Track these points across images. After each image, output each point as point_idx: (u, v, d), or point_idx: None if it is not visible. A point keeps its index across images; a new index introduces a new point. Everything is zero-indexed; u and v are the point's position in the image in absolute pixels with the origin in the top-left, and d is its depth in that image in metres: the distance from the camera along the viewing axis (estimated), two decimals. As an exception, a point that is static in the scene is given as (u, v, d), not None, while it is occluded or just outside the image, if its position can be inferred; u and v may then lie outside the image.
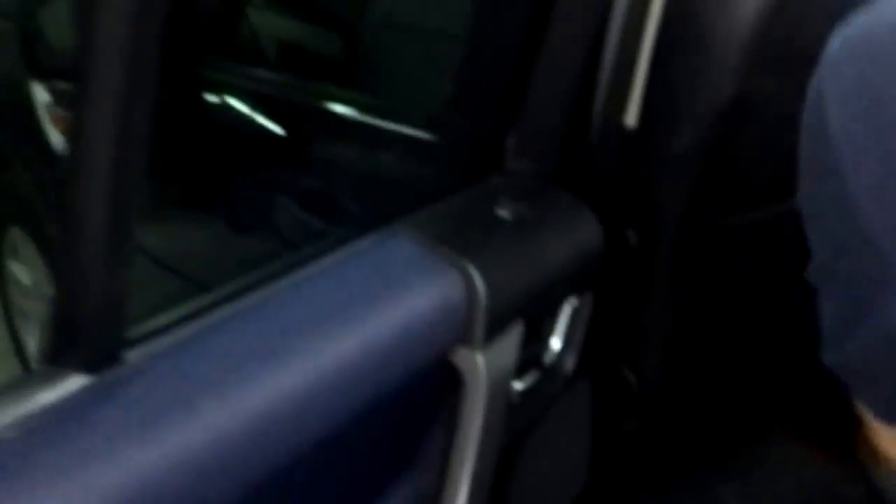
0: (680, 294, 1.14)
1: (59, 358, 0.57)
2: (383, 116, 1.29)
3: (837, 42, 0.62)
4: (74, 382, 0.57)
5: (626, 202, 1.16)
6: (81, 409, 0.55)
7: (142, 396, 0.58)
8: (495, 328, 0.84)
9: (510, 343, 0.89)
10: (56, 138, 1.71)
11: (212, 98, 1.57)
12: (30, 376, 0.57)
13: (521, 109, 1.02)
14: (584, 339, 1.06)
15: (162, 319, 0.65)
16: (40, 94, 1.70)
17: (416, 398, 0.85)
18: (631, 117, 1.14)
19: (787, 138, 1.24)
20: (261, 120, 1.51)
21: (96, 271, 0.55)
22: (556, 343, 1.04)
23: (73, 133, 0.52)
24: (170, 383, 0.60)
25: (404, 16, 1.47)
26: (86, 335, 0.57)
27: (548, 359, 1.03)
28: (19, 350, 2.07)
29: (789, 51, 1.18)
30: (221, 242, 1.42)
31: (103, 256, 0.55)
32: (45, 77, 1.61)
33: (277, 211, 1.28)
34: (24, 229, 1.95)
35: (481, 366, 0.83)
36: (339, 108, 1.38)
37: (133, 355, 0.61)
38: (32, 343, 2.02)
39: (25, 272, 2.01)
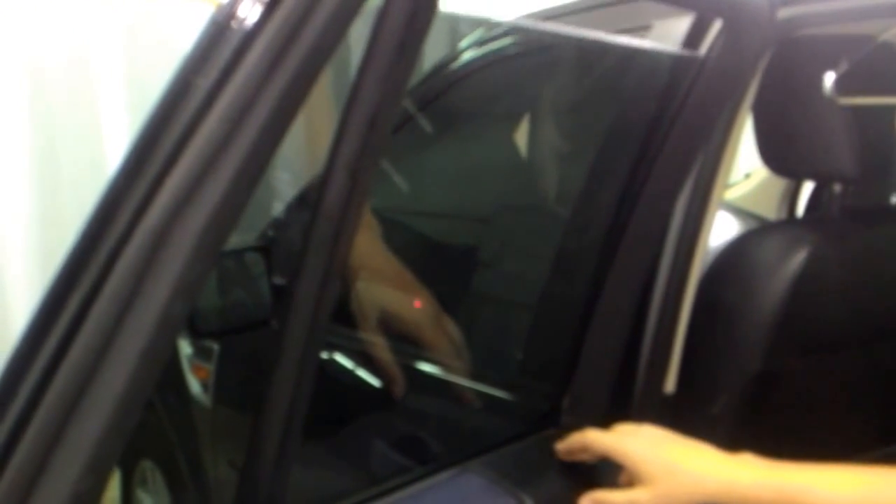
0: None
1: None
2: (466, 377, 1.51)
3: None
4: None
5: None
6: None
7: None
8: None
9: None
10: (195, 385, 1.94)
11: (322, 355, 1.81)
12: None
13: (574, 376, 1.24)
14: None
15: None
16: (185, 348, 1.96)
17: None
18: (670, 384, 1.34)
19: (813, 411, 1.40)
20: (361, 374, 1.74)
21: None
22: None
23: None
24: None
25: (487, 291, 1.70)
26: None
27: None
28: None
29: (806, 334, 1.38)
30: (322, 475, 1.61)
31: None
32: (195, 335, 1.87)
33: (371, 450, 1.48)
34: (155, 462, 2.16)
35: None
36: (428, 368, 1.61)
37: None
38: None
39: (150, 501, 2.21)
